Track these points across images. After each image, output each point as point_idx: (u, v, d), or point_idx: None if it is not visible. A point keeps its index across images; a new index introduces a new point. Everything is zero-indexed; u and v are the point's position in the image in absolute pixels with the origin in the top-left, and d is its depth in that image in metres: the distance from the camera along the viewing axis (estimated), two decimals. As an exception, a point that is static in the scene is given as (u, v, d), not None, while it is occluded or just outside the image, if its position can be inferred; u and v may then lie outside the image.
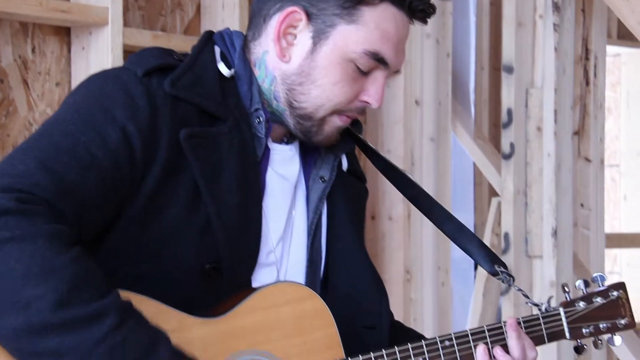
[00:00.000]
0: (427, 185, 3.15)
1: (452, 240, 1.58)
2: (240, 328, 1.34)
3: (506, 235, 3.10)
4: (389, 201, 3.11)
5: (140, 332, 1.21)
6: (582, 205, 3.20)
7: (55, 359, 1.17)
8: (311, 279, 1.48)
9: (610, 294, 1.55)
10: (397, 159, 3.12)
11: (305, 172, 1.50)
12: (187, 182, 1.33)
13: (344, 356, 1.39)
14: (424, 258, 3.15)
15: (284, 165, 1.46)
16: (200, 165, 1.33)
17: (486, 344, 1.44)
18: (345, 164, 1.54)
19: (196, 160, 1.33)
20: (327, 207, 1.50)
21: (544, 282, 3.09)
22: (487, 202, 3.69)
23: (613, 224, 5.02)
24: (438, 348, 1.42)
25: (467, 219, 3.58)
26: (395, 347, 1.40)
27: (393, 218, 3.17)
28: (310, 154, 1.50)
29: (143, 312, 1.24)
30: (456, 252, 3.29)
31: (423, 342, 1.41)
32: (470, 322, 3.50)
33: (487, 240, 3.28)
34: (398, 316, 3.07)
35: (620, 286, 1.57)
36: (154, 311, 1.27)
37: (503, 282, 1.54)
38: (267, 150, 1.44)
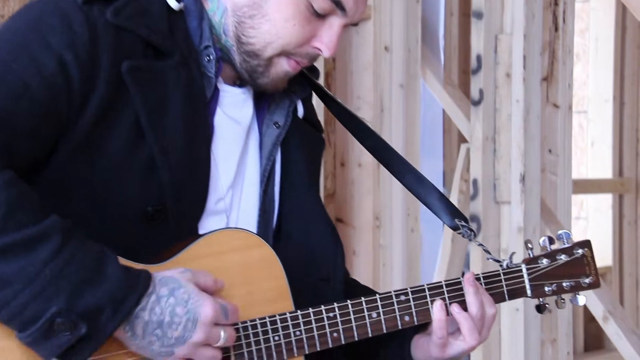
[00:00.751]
0: (397, 132, 3.14)
1: (411, 192, 1.53)
2: None
3: (475, 182, 3.09)
4: (358, 148, 3.05)
5: (85, 250, 1.18)
6: (549, 151, 3.18)
7: (2, 286, 1.13)
8: (263, 229, 1.43)
9: (574, 251, 1.50)
10: (367, 106, 3.09)
11: (259, 117, 1.44)
12: (128, 118, 1.27)
13: (293, 308, 1.34)
14: (393, 205, 3.15)
15: (235, 108, 1.40)
16: (143, 100, 1.27)
17: (443, 299, 1.40)
18: (301, 111, 1.49)
19: (139, 95, 1.27)
20: (281, 155, 1.45)
21: (512, 227, 3.10)
22: (456, 149, 3.72)
23: (580, 170, 5.06)
24: (393, 302, 1.38)
25: (436, 165, 3.62)
26: (348, 301, 1.36)
27: (362, 165, 3.17)
28: (264, 98, 1.44)
29: None
30: None
31: (377, 296, 1.38)
32: (438, 268, 3.53)
33: (455, 187, 3.32)
34: (367, 262, 3.13)
35: (586, 244, 1.52)
36: None
37: (464, 236, 1.50)
38: (217, 91, 1.38)
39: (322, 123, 2.98)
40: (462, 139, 3.46)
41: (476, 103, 3.10)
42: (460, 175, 3.30)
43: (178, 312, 1.22)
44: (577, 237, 1.54)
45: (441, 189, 3.62)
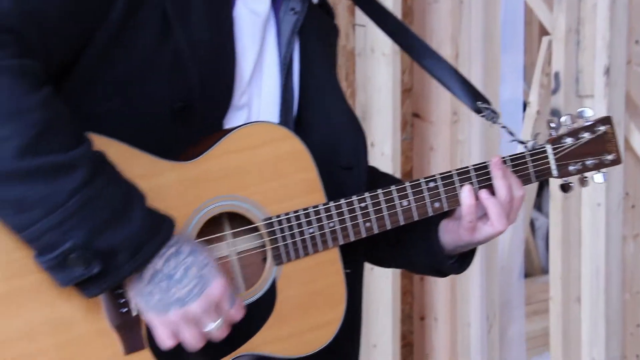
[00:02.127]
0: (476, 25, 3.06)
1: (432, 75, 1.52)
2: (214, 172, 1.28)
3: (556, 75, 3.03)
4: (436, 42, 3.03)
5: (112, 188, 1.15)
6: (636, 42, 3.10)
7: (22, 210, 1.11)
8: (284, 120, 1.41)
9: (597, 129, 1.49)
10: (445, -2, 3.04)
11: (275, 6, 1.41)
12: (156, 14, 1.24)
13: (325, 200, 1.34)
14: (472, 99, 3.10)
15: (253, 0, 1.37)
16: None
17: (472, 184, 1.40)
18: None
19: None
20: (299, 43, 1.43)
21: (594, 122, 3.04)
22: (537, 42, 3.67)
23: (668, 61, 4.86)
24: (422, 190, 1.38)
25: (516, 59, 3.52)
26: (379, 190, 1.36)
27: None
28: None
29: (111, 155, 1.18)
30: (505, 92, 3.30)
31: (407, 184, 1.38)
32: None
33: (536, 80, 3.22)
34: (444, 158, 3.11)
35: (607, 120, 1.50)
36: (122, 154, 1.20)
37: (487, 119, 1.49)
38: None
39: (400, 15, 2.94)
40: (544, 31, 3.34)
41: (559, -7, 3.02)
42: (542, 69, 3.20)
43: (190, 273, 1.19)
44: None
45: (521, 83, 3.67)
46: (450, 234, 1.44)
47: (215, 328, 1.21)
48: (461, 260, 1.49)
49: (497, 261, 3.22)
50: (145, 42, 1.24)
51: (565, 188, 1.50)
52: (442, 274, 1.51)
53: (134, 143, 1.22)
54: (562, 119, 1.48)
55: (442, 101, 3.10)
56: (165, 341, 1.21)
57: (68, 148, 1.12)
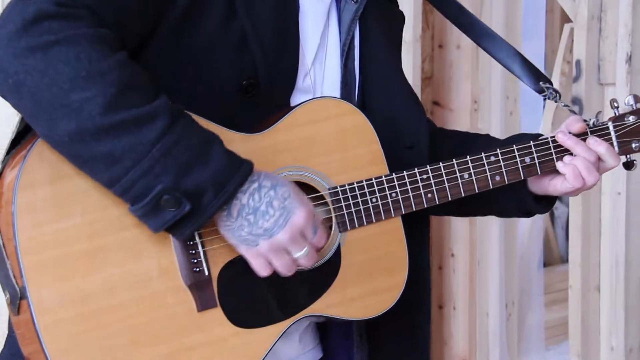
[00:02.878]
0: (497, 12, 3.06)
1: (494, 58, 1.56)
2: (280, 144, 1.34)
3: (578, 63, 3.01)
4: (457, 31, 3.02)
5: (193, 133, 1.21)
6: (659, 29, 3.07)
7: (113, 163, 1.19)
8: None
9: None
10: (467, -15, 3.04)
11: None
12: None
13: (388, 172, 1.39)
14: (492, 87, 3.11)
15: None
16: None
17: (532, 158, 1.43)
18: None
19: None
20: (359, 29, 1.47)
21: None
22: (559, 29, 3.63)
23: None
24: (484, 163, 1.42)
25: (537, 46, 3.57)
26: (441, 163, 1.40)
27: (461, 47, 3.13)
28: None
29: None
30: None
31: (468, 158, 1.42)
32: (538, 151, 3.46)
33: (557, 68, 3.21)
34: (465, 146, 3.10)
35: None
36: None
37: (549, 98, 1.53)
38: None
39: (420, 3, 2.96)
40: (566, 19, 3.31)
41: (582, -20, 3.00)
42: (563, 57, 3.18)
43: (274, 205, 1.25)
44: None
45: (542, 70, 3.65)
46: (536, 185, 1.49)
47: (303, 255, 1.27)
48: (547, 201, 1.53)
49: (516, 250, 3.22)
50: (212, 23, 1.30)
51: (628, 165, 1.52)
52: (531, 214, 1.57)
53: (206, 116, 1.28)
54: (626, 99, 1.51)
55: (463, 89, 3.11)
56: (261, 271, 1.27)
57: (147, 102, 1.19)
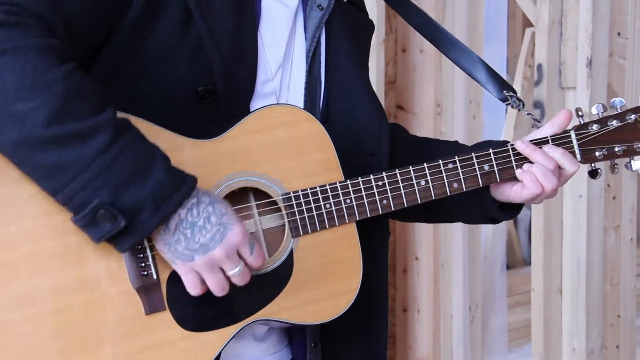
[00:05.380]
0: (459, 16, 3.07)
1: (458, 66, 1.56)
2: (234, 150, 1.33)
3: (539, 67, 3.04)
4: (419, 35, 3.00)
5: (135, 147, 1.21)
6: (619, 34, 3.10)
7: (55, 173, 1.19)
8: (310, 108, 1.45)
9: (627, 117, 1.49)
10: (429, -10, 3.05)
11: (303, 1, 1.47)
12: (177, 1, 1.31)
13: (343, 179, 1.39)
14: (455, 91, 3.11)
15: None
16: None
17: (492, 166, 1.43)
18: None
19: None
20: (326, 36, 1.47)
21: (577, 113, 3.04)
22: (520, 34, 3.66)
23: (649, 54, 4.86)
24: (441, 170, 1.42)
25: (499, 51, 3.57)
26: (397, 170, 1.40)
27: (424, 51, 3.12)
28: None
29: None
30: None
31: (425, 165, 1.41)
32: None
33: (519, 73, 3.25)
34: (428, 150, 3.10)
35: (638, 109, 1.50)
36: (144, 131, 1.25)
37: (513, 107, 1.52)
38: None
39: (383, 7, 2.94)
40: (528, 23, 3.36)
41: (543, -15, 3.02)
42: (525, 61, 3.25)
43: (212, 221, 1.25)
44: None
45: (504, 75, 3.74)
46: (499, 192, 1.49)
47: (236, 273, 1.27)
48: (511, 209, 1.53)
49: (479, 253, 3.23)
50: (167, 30, 1.30)
51: (593, 174, 1.51)
52: (496, 222, 1.56)
53: (162, 124, 1.29)
54: (594, 108, 1.50)
55: (426, 93, 3.11)
56: (192, 289, 1.27)
57: (91, 115, 1.19)
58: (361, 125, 1.47)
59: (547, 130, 1.47)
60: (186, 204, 1.24)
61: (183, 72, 1.31)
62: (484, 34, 3.16)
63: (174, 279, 1.29)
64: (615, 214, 3.16)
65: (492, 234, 3.35)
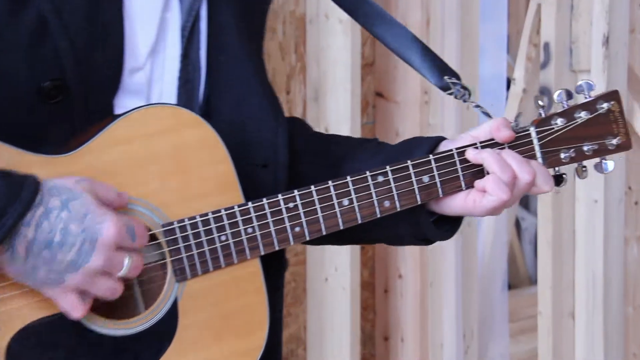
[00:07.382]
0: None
1: (385, 45, 1.44)
2: (96, 168, 1.21)
3: (546, 46, 2.90)
4: (403, 10, 2.98)
5: None
6: (641, 6, 3.00)
7: None
8: (185, 103, 1.31)
9: (598, 106, 1.38)
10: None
11: None
12: None
13: (243, 200, 1.27)
14: (446, 76, 2.94)
15: None
16: None
17: (432, 176, 1.34)
18: None
19: None
20: (208, 8, 1.34)
21: (591, 100, 2.91)
22: (524, 7, 3.63)
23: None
24: (369, 186, 1.31)
25: (498, 28, 3.46)
26: (312, 187, 1.29)
27: (408, 26, 2.96)
28: None
29: None
30: (485, 67, 3.26)
31: (349, 179, 1.30)
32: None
33: (522, 53, 3.12)
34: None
35: (612, 96, 1.39)
36: None
37: (456, 97, 1.43)
38: None
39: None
40: (532, -5, 3.46)
41: (550, -50, 2.94)
42: (529, 39, 3.06)
43: (72, 230, 1.15)
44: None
45: (504, 56, 3.62)
46: (441, 202, 1.39)
47: (126, 269, 1.19)
48: (451, 224, 1.44)
49: (475, 270, 3.15)
50: None
51: (558, 181, 1.41)
52: (429, 242, 1.48)
53: (2, 130, 1.18)
54: (555, 95, 1.39)
55: (411, 78, 3.00)
56: (73, 312, 1.18)
57: None
58: (250, 126, 1.34)
59: (467, 139, 1.37)
60: (32, 219, 1.13)
61: (20, 63, 1.20)
62: (480, 6, 3.05)
63: (19, 342, 1.17)
64: (638, 221, 3.07)
65: (490, 247, 3.25)
